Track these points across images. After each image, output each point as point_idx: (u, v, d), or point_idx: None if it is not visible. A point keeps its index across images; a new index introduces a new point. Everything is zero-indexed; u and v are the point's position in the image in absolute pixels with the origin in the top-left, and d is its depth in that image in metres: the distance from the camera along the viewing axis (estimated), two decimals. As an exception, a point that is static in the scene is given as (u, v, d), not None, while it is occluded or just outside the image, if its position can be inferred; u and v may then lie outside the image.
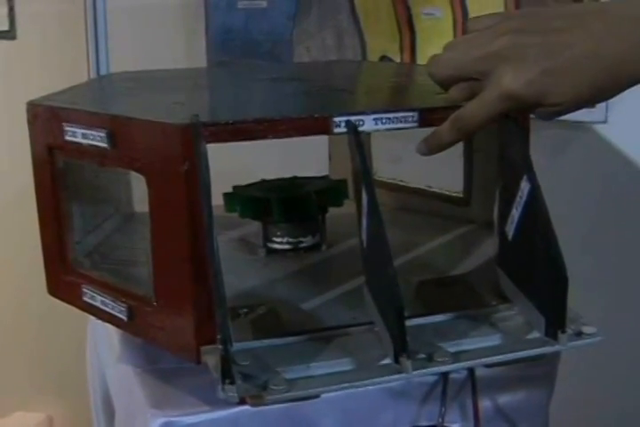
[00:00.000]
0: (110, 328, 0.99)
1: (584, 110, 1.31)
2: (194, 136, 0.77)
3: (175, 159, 0.79)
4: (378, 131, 0.83)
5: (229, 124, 0.79)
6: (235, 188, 1.08)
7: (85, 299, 0.94)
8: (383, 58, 1.58)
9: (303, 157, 1.28)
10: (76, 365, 1.36)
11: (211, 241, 0.74)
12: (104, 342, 1.09)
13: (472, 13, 1.45)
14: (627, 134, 1.33)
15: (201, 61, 1.73)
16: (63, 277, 0.98)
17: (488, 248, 1.01)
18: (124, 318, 0.89)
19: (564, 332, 0.78)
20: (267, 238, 1.05)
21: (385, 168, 1.27)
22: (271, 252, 1.06)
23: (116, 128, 0.84)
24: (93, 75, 1.75)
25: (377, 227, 0.75)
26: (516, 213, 0.82)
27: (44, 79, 2.02)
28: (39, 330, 2.23)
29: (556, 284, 0.75)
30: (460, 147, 1.13)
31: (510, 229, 0.84)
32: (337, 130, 0.81)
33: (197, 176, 0.77)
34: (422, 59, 1.52)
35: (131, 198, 1.19)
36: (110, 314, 0.91)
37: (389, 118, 0.83)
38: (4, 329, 2.27)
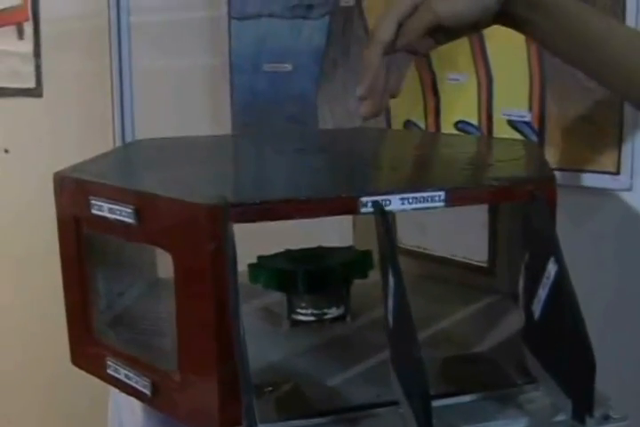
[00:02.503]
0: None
1: (608, 178, 1.32)
2: (221, 217, 0.77)
3: (202, 238, 0.79)
4: (404, 211, 0.83)
5: (256, 205, 0.79)
6: (259, 258, 1.08)
7: (109, 371, 0.94)
8: (407, 122, 1.58)
9: (328, 225, 1.28)
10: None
11: (237, 323, 0.74)
12: (126, 411, 1.09)
13: (496, 78, 1.45)
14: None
15: (226, 124, 1.73)
16: (87, 348, 0.98)
17: (513, 321, 1.01)
18: (148, 392, 0.89)
19: (591, 416, 0.77)
20: (291, 310, 1.05)
21: (409, 236, 1.27)
22: (295, 323, 1.05)
23: (143, 205, 0.85)
24: (119, 137, 1.76)
25: (403, 309, 0.75)
26: (542, 293, 0.82)
27: (71, 135, 2.05)
28: (58, 395, 2.21)
29: (584, 368, 0.75)
30: (484, 216, 1.13)
31: (537, 309, 0.84)
32: (364, 210, 0.81)
33: (224, 255, 0.77)
34: (446, 123, 1.53)
35: (155, 264, 1.19)
36: (134, 388, 0.91)
37: (416, 198, 0.83)
38: (21, 393, 2.26)
